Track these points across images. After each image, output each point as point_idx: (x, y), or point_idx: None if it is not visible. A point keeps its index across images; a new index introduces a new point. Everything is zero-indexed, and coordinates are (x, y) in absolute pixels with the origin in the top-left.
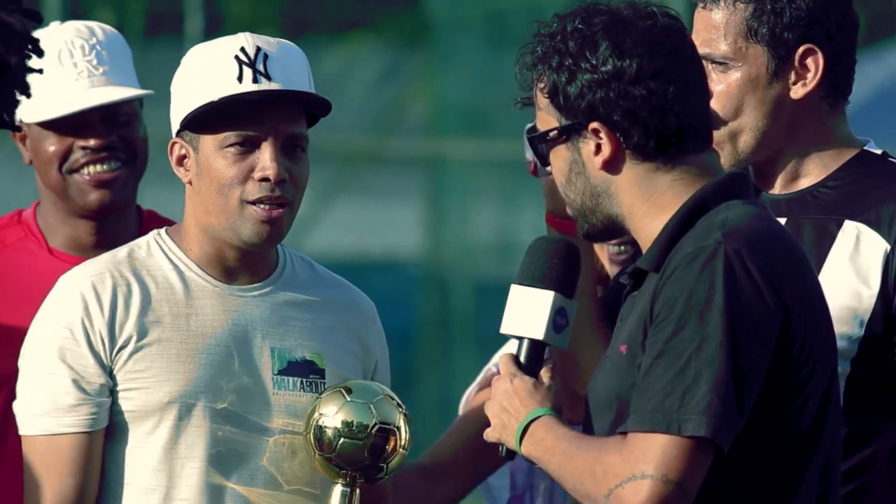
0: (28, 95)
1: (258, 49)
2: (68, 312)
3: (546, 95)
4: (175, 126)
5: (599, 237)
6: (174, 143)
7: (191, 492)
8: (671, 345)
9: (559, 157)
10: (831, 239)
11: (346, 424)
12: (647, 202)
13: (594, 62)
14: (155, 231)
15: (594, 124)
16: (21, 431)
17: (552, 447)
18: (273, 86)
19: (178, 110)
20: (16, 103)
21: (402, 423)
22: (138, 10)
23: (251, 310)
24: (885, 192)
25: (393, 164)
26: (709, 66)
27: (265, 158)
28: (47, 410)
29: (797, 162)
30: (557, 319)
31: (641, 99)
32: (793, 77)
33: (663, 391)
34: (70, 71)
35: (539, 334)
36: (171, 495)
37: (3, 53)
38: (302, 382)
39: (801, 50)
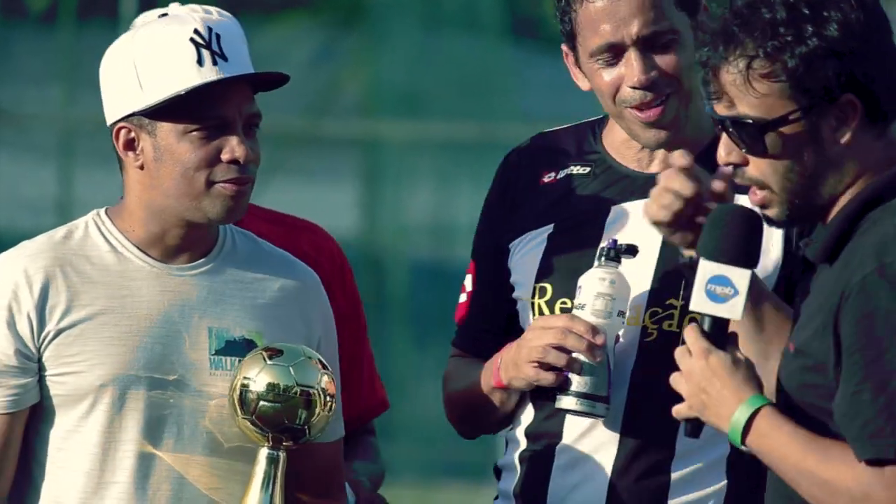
0: None
1: (209, 29)
2: None
3: (772, 80)
4: (121, 111)
5: (800, 219)
6: (121, 127)
7: (124, 473)
8: (875, 368)
9: (788, 141)
10: None
11: (268, 387)
12: (868, 170)
13: (822, 31)
14: (94, 211)
15: (840, 96)
16: None
17: (782, 447)
18: (233, 68)
19: (131, 97)
20: None
21: (323, 386)
22: None
23: (189, 289)
24: None
25: (328, 146)
26: None
27: (233, 142)
28: None
29: None
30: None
31: (879, 61)
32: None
33: (881, 417)
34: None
35: (737, 314)
36: (106, 477)
37: None
38: (240, 362)
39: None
